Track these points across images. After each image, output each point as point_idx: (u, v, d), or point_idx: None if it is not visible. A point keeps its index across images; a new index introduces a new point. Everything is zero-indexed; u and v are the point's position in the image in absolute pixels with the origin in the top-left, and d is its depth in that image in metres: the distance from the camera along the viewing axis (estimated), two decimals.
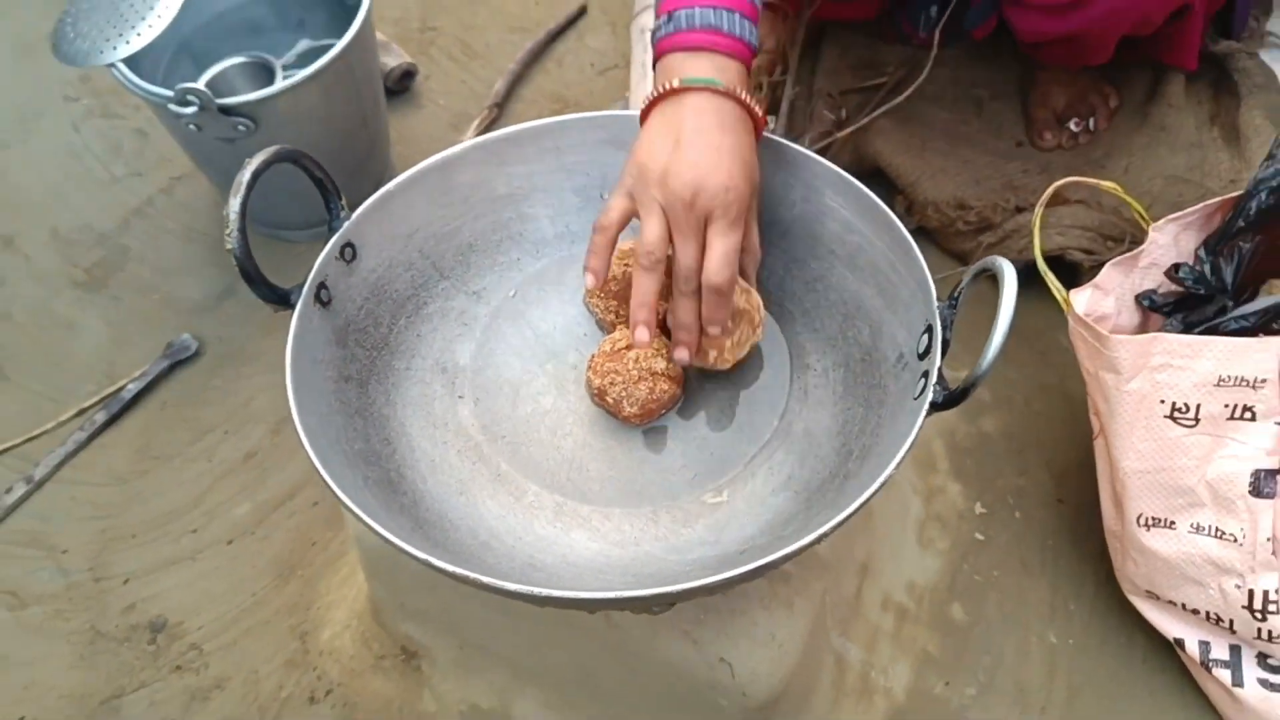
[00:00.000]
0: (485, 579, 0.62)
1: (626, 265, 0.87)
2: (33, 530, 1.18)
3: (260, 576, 1.14)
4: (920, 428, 0.69)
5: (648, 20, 1.47)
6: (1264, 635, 0.94)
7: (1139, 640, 1.06)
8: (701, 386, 0.88)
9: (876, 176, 1.41)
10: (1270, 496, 0.92)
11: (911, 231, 1.27)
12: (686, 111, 0.79)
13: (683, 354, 0.82)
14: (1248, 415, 0.92)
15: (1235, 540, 0.93)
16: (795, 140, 1.36)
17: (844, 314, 0.86)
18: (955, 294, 0.75)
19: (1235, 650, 0.99)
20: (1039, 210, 1.04)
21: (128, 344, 1.32)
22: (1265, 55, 1.42)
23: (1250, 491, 0.92)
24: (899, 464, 0.67)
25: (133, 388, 1.28)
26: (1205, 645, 1.00)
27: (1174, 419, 0.94)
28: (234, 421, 1.25)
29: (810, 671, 0.95)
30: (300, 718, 1.05)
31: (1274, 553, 0.92)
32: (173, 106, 1.11)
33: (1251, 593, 0.93)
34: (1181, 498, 0.96)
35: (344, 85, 1.23)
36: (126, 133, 1.52)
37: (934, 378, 0.71)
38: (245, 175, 0.75)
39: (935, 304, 0.75)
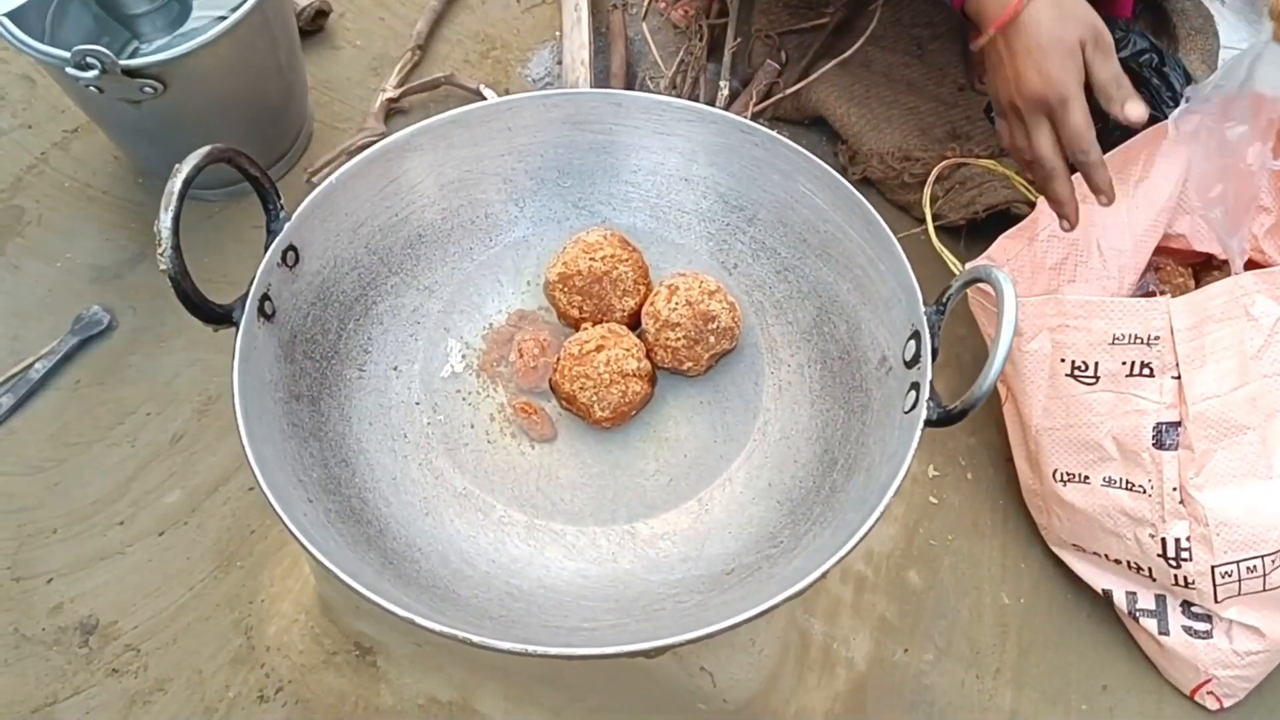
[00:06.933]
0: (474, 638, 0.59)
1: (593, 259, 0.83)
2: None
3: (197, 569, 1.09)
4: (916, 448, 0.67)
5: None
6: (1180, 581, 0.97)
7: (1084, 596, 1.09)
8: (672, 383, 0.84)
9: (819, 123, 1.37)
10: (1173, 448, 0.95)
11: (855, 182, 1.27)
12: None
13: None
14: (1145, 371, 0.96)
15: (1144, 492, 0.97)
16: (739, 91, 1.31)
17: (818, 307, 0.83)
18: (944, 300, 0.72)
19: (1160, 599, 1.02)
20: (928, 187, 1.08)
21: (32, 318, 1.22)
22: None
23: (1153, 444, 0.96)
24: (897, 489, 0.65)
25: (41, 367, 1.19)
26: (1132, 596, 1.04)
27: (1075, 377, 0.99)
28: (156, 401, 1.18)
29: (778, 654, 0.95)
30: (250, 717, 1.01)
31: (1181, 502, 0.95)
32: (70, 70, 1.00)
33: (1164, 541, 0.96)
34: (1091, 453, 1.00)
35: (259, 35, 1.13)
36: (10, 79, 1.39)
37: (926, 391, 0.69)
38: (175, 184, 0.67)
39: (922, 310, 0.73)
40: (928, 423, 0.68)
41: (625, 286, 0.83)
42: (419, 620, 0.59)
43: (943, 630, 1.07)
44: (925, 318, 0.72)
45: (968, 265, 0.93)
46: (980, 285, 0.71)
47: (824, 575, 0.62)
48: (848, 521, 0.66)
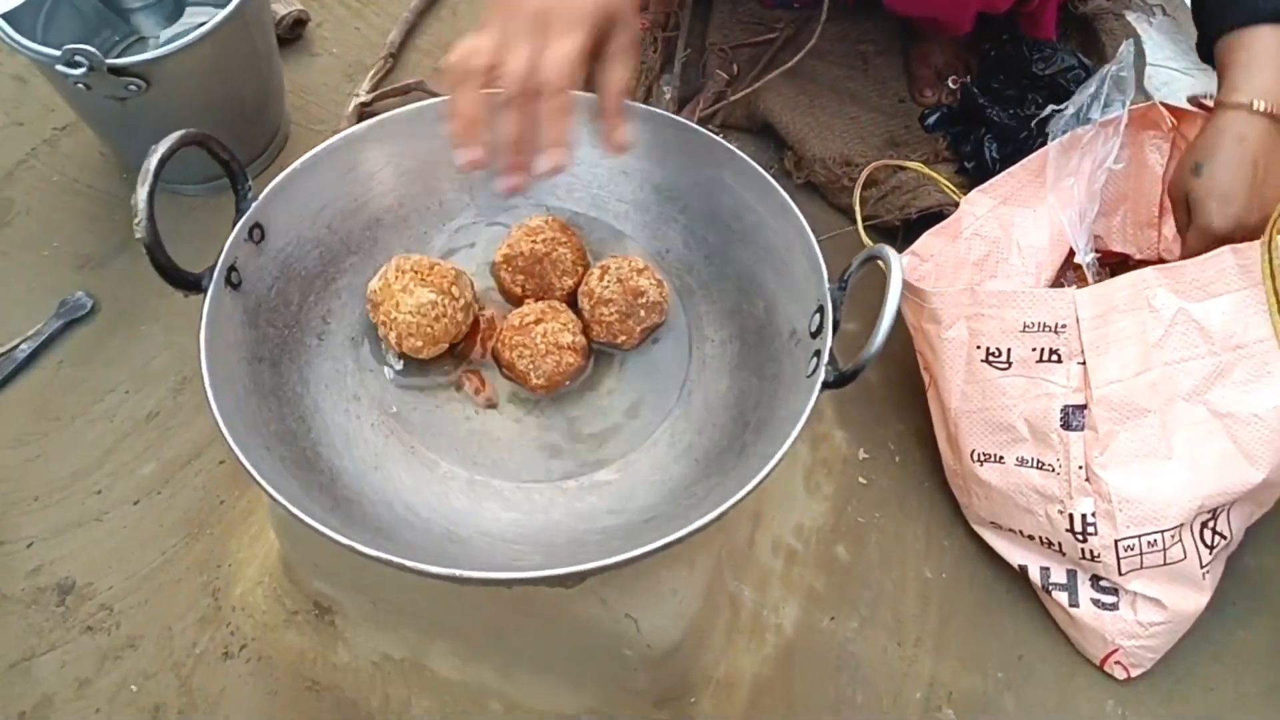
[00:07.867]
0: (408, 563, 0.66)
1: (534, 242, 0.91)
2: None
3: (169, 535, 1.16)
4: (813, 405, 0.75)
5: None
6: (1087, 555, 1.03)
7: (1003, 572, 1.16)
8: (607, 356, 0.92)
9: (767, 131, 1.46)
10: (1079, 429, 1.02)
11: (799, 186, 1.35)
12: None
13: (505, 182, 0.74)
14: (1054, 357, 1.02)
15: (1054, 470, 1.03)
16: (690, 99, 1.40)
17: (740, 288, 0.91)
18: (845, 277, 0.80)
19: (1071, 574, 1.09)
20: (858, 187, 1.17)
21: (18, 303, 1.30)
22: (1131, 17, 1.50)
23: (1061, 425, 1.02)
24: (794, 440, 0.73)
25: (26, 347, 1.26)
26: (1045, 570, 1.10)
27: (990, 362, 1.05)
28: (135, 381, 1.25)
29: (707, 615, 1.02)
30: (215, 672, 1.08)
31: (1087, 479, 1.02)
32: (60, 67, 1.08)
33: (1072, 516, 1.03)
34: (1005, 434, 1.06)
35: (238, 39, 1.21)
36: (3, 79, 1.47)
37: (825, 357, 0.77)
38: (152, 163, 0.75)
39: (827, 286, 0.81)
40: (825, 384, 0.76)
41: (564, 267, 0.91)
42: (358, 547, 0.66)
43: (868, 601, 1.15)
44: (829, 293, 0.80)
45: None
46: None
47: (721, 515, 0.70)
48: (752, 472, 0.73)
